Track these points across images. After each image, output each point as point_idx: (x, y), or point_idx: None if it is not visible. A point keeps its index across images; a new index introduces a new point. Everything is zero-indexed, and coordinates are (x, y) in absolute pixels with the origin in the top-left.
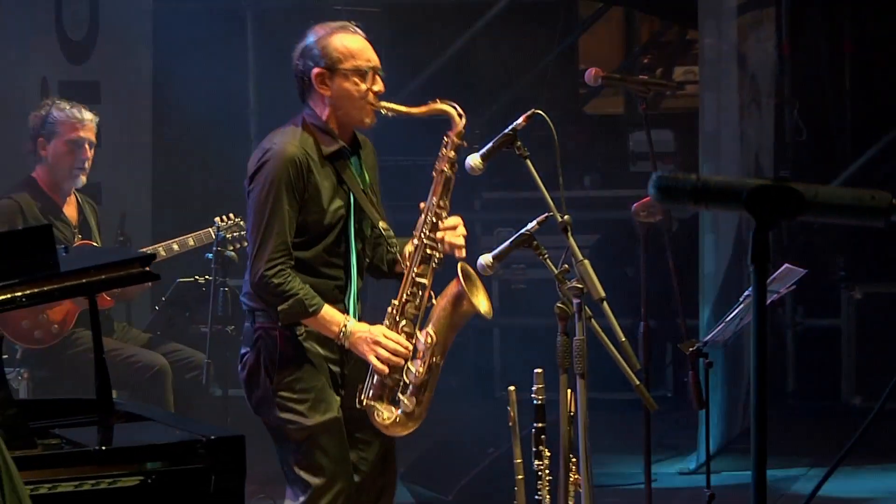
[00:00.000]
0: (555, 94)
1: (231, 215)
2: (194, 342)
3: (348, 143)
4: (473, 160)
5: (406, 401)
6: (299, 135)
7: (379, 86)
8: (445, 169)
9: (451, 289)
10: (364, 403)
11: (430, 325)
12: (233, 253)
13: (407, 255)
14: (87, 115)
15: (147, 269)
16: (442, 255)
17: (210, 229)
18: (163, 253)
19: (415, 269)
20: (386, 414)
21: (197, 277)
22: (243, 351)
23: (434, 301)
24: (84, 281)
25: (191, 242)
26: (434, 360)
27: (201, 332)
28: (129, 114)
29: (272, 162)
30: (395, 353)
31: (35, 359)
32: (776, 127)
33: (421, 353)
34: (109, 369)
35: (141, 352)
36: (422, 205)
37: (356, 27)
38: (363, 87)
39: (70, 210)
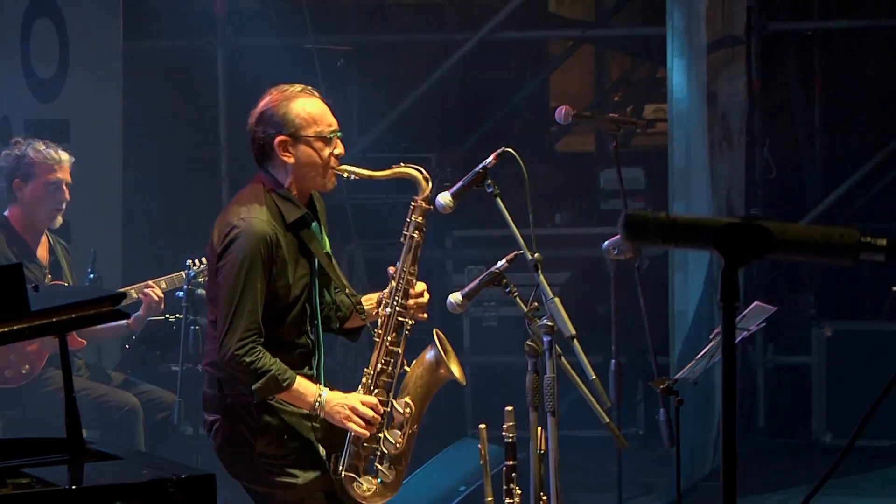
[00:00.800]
0: (525, 132)
1: (204, 259)
2: (165, 380)
3: (307, 207)
4: (444, 198)
5: (385, 471)
6: (265, 207)
7: (340, 149)
8: (415, 235)
9: (427, 356)
10: (341, 475)
11: (407, 395)
12: (203, 291)
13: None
14: (64, 156)
15: (118, 308)
16: (413, 322)
17: (182, 273)
18: (134, 294)
19: (388, 338)
20: (365, 486)
21: (168, 316)
22: (212, 418)
23: (407, 368)
24: (54, 320)
25: (163, 285)
26: (412, 429)
27: (172, 371)
28: (98, 152)
29: (243, 240)
30: (372, 420)
31: (5, 398)
32: (747, 165)
33: (398, 423)
34: (80, 408)
35: (112, 391)
36: (391, 269)
37: (313, 90)
38: (326, 152)
39: (42, 251)
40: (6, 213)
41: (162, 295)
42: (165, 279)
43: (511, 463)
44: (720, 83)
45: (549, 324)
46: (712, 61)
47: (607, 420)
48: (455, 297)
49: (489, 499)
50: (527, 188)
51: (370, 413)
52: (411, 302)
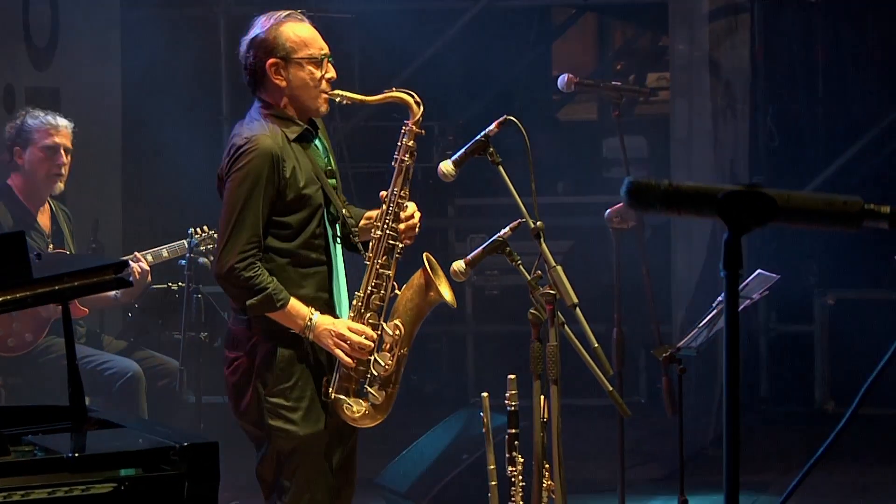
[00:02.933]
0: (528, 101)
1: (205, 227)
2: (167, 349)
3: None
4: (446, 167)
5: (375, 393)
6: (267, 126)
7: (331, 73)
8: (405, 158)
9: (417, 279)
10: (331, 397)
11: (398, 317)
12: (205, 260)
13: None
14: (62, 122)
15: (120, 275)
16: (404, 246)
17: (184, 241)
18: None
19: (378, 261)
20: (355, 407)
21: (170, 284)
22: (233, 355)
23: (398, 292)
24: (56, 288)
25: (164, 254)
26: (401, 351)
27: (174, 339)
28: (95, 121)
29: (247, 155)
30: (360, 346)
31: (8, 366)
32: (750, 133)
33: (389, 346)
34: (83, 376)
35: (114, 358)
36: (382, 194)
37: (302, 15)
38: (317, 74)
39: (44, 218)
40: (8, 181)
41: (147, 268)
42: (167, 247)
43: (513, 431)
44: (723, 51)
45: (552, 292)
46: (715, 29)
47: (610, 388)
48: (458, 265)
49: (491, 467)
50: (529, 156)
51: (357, 339)
52: (402, 226)
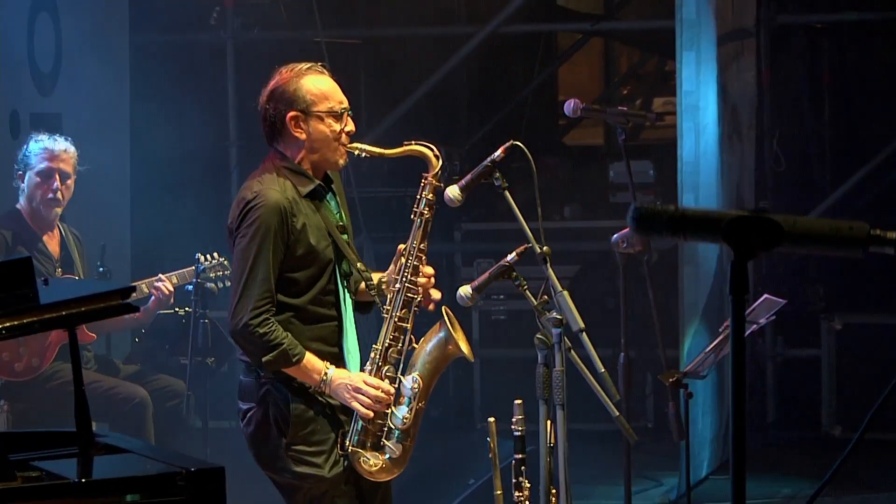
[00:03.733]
0: (534, 126)
1: (215, 254)
2: (174, 374)
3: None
4: (452, 192)
5: (392, 447)
6: (277, 180)
7: (351, 126)
8: (425, 213)
9: (435, 332)
10: (349, 450)
11: (416, 371)
12: (213, 285)
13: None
14: (61, 146)
15: (127, 301)
16: (421, 299)
17: (192, 267)
18: (145, 290)
19: (396, 314)
20: (373, 461)
21: (177, 309)
22: (246, 407)
23: (415, 345)
24: (63, 313)
25: (174, 280)
26: (419, 405)
27: (181, 364)
28: (103, 145)
29: (257, 210)
30: (376, 399)
31: (15, 391)
32: (756, 157)
33: (405, 399)
34: (90, 401)
35: (121, 384)
36: (400, 247)
37: (322, 67)
38: (337, 128)
39: (52, 243)
40: (17, 205)
41: (172, 289)
42: (176, 274)
43: (520, 456)
44: (729, 76)
45: (559, 317)
46: (722, 54)
47: (616, 413)
48: (465, 291)
49: (498, 492)
50: (535, 181)
51: (374, 392)
52: (422, 280)
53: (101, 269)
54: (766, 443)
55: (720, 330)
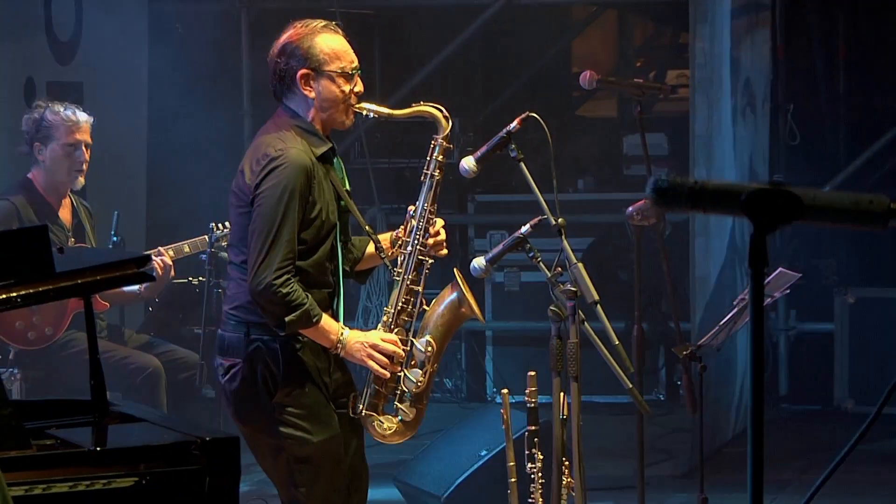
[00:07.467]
0: (549, 97)
1: (228, 223)
2: (187, 343)
3: None
4: (468, 163)
5: (405, 409)
6: (296, 139)
7: (360, 87)
8: (435, 174)
9: (447, 295)
10: (361, 413)
11: (428, 334)
12: (226, 255)
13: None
14: (82, 117)
15: (142, 270)
16: (432, 261)
17: (205, 236)
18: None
19: (408, 277)
20: (386, 424)
21: (191, 279)
22: (229, 362)
23: (426, 308)
24: (79, 282)
25: (186, 249)
26: (432, 368)
27: (194, 334)
28: (120, 116)
29: (285, 169)
30: (393, 354)
31: (29, 360)
32: (770, 131)
33: (417, 362)
34: (103, 371)
35: (135, 353)
36: (411, 208)
37: (336, 26)
38: (347, 89)
39: (65, 213)
40: (29, 175)
41: (170, 262)
42: (189, 242)
43: (533, 428)
44: (743, 49)
45: (573, 289)
46: (736, 27)
47: (630, 385)
48: (479, 262)
49: (511, 464)
50: (550, 153)
51: (391, 349)
52: (431, 241)
53: (115, 238)
54: (779, 416)
55: (734, 302)
